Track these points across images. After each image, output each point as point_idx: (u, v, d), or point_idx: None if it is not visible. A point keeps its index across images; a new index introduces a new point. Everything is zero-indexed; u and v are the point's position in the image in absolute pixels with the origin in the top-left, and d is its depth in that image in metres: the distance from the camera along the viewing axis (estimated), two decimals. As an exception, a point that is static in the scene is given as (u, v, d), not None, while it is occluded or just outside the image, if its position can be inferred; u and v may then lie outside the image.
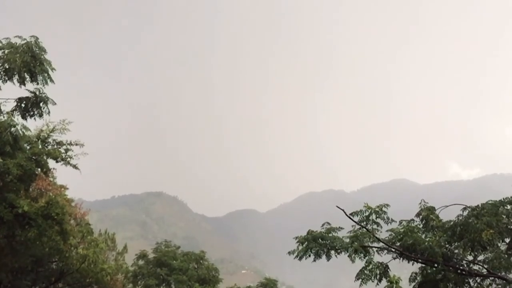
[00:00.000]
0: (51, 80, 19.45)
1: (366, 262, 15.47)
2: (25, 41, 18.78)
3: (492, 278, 15.44)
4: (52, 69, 19.44)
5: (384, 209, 15.58)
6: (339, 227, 15.97)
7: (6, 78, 18.58)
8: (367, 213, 15.54)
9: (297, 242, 15.86)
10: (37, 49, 18.86)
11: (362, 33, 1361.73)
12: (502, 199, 14.73)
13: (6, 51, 18.45)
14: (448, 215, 15.75)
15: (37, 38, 19.04)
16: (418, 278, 16.04)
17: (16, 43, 18.67)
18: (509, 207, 14.60)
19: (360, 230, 15.62)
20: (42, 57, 18.98)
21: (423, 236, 15.27)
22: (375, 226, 15.52)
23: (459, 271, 15.18)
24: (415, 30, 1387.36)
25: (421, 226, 15.93)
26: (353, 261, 15.26)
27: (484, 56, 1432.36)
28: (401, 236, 15.26)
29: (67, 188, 29.61)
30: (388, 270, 15.43)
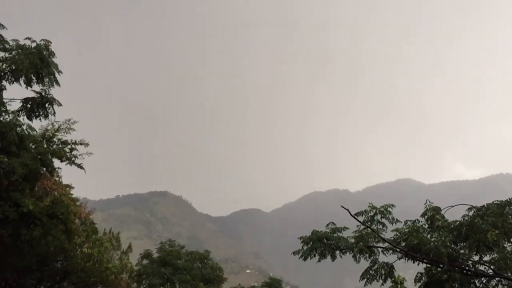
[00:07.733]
0: (57, 83, 19.48)
1: (371, 262, 15.48)
2: (35, 43, 18.86)
3: (498, 278, 15.37)
4: (59, 71, 19.48)
5: (389, 209, 15.56)
6: (344, 227, 15.97)
7: (13, 79, 18.63)
8: (372, 213, 15.53)
9: (302, 242, 15.86)
10: (46, 52, 18.91)
11: (365, 32, 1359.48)
12: (508, 199, 14.67)
13: (14, 52, 18.51)
14: (454, 215, 15.69)
15: (48, 41, 19.10)
16: (423, 279, 16.01)
17: (26, 45, 18.75)
18: (514, 207, 14.52)
19: (365, 230, 15.61)
20: (50, 60, 19.03)
21: (428, 236, 15.23)
22: (380, 226, 15.51)
23: (464, 271, 15.13)
24: (419, 29, 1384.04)
25: (427, 226, 15.89)
26: (358, 261, 15.26)
27: (486, 54, 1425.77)
28: (406, 236, 15.22)
29: (72, 187, 29.76)
30: (393, 270, 15.41)
